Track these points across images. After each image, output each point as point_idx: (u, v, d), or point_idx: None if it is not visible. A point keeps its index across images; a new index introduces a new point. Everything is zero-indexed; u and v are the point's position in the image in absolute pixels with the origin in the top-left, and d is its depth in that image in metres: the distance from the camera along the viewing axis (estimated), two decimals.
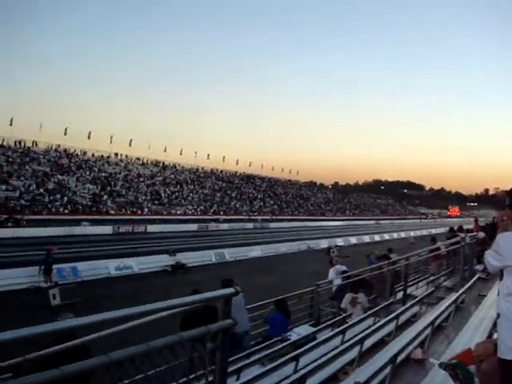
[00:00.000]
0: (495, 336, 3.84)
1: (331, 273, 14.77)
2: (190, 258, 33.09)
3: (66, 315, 6.49)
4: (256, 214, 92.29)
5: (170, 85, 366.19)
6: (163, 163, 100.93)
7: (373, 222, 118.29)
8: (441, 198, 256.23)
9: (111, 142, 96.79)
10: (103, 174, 77.74)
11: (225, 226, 69.96)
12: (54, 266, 24.81)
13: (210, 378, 2.85)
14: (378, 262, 15.73)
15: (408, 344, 6.70)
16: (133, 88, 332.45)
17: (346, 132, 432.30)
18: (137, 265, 29.37)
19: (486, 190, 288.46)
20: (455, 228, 24.17)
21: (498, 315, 3.36)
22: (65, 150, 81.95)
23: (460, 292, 9.70)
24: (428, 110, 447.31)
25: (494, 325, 7.40)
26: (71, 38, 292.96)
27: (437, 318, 7.95)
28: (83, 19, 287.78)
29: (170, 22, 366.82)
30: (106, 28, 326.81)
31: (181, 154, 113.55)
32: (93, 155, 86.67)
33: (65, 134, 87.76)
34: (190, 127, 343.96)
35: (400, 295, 13.26)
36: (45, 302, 19.91)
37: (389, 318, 8.74)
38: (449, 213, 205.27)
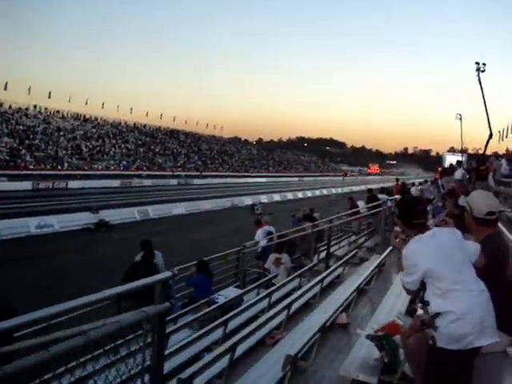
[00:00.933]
0: (419, 311, 3.96)
1: (258, 233, 14.85)
2: (113, 216, 32.59)
3: None
4: (180, 169, 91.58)
5: (92, 36, 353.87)
6: (84, 116, 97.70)
7: (296, 179, 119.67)
8: (362, 156, 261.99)
9: (29, 93, 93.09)
10: (21, 127, 74.60)
11: (148, 182, 69.20)
12: None
13: (147, 363, 2.84)
14: (302, 222, 16.03)
15: (333, 309, 6.90)
16: (53, 37, 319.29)
17: (271, 88, 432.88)
18: (58, 223, 28.67)
19: (405, 149, 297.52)
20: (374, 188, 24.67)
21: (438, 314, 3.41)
22: None
23: (383, 256, 10.00)
24: (349, 67, 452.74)
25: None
26: None
27: (361, 283, 8.21)
28: None
29: None
30: None
31: (103, 107, 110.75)
32: (10, 107, 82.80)
33: None
34: (112, 80, 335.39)
35: (323, 255, 13.60)
36: None
37: (314, 281, 8.94)
38: (369, 170, 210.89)
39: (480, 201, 4.01)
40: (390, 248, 11.20)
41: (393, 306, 6.63)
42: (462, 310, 3.16)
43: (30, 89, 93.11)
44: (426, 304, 3.38)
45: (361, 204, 19.92)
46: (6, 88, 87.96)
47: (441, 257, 3.29)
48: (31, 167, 62.81)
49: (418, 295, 3.78)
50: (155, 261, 9.34)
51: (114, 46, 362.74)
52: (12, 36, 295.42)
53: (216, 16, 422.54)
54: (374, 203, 15.90)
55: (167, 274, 3.04)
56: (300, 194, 68.36)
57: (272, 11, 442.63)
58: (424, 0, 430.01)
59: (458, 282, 3.24)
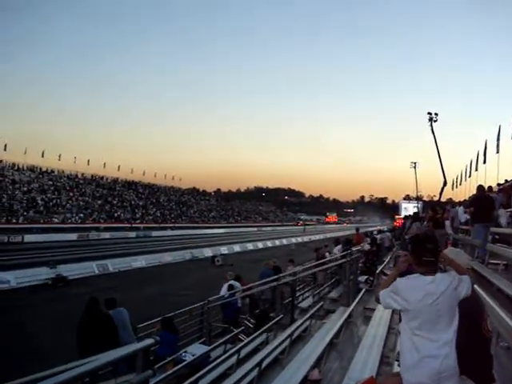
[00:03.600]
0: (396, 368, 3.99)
1: (224, 288, 14.78)
2: (71, 270, 31.80)
3: None
4: (138, 222, 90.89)
5: (48, 87, 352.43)
6: (40, 169, 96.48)
7: (255, 228, 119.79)
8: (320, 205, 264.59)
9: None
10: None
11: (106, 234, 68.29)
12: None
13: None
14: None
15: (304, 365, 6.84)
16: (7, 90, 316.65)
17: (228, 138, 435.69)
18: (15, 279, 27.82)
19: (362, 197, 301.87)
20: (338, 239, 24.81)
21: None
22: None
23: (351, 308, 10.01)
24: (306, 120, 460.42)
25: (386, 344, 7.78)
26: None
27: (329, 335, 8.17)
28: None
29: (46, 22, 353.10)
30: None
31: (59, 159, 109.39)
32: None
33: None
34: (69, 132, 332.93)
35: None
36: None
37: (283, 336, 8.86)
38: (327, 219, 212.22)
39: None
40: (357, 300, 11.26)
41: (366, 360, 6.62)
42: (414, 360, 3.25)
43: None
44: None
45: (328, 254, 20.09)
46: None
47: (425, 305, 3.35)
48: None
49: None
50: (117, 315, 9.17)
51: (71, 98, 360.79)
52: None
53: (171, 65, 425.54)
54: (341, 253, 16.00)
55: (150, 341, 2.96)
56: (260, 244, 68.17)
57: (226, 70, 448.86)
58: (381, 46, 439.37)
59: (427, 330, 3.32)
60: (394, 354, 6.75)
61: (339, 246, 20.81)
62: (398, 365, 3.83)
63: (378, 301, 3.75)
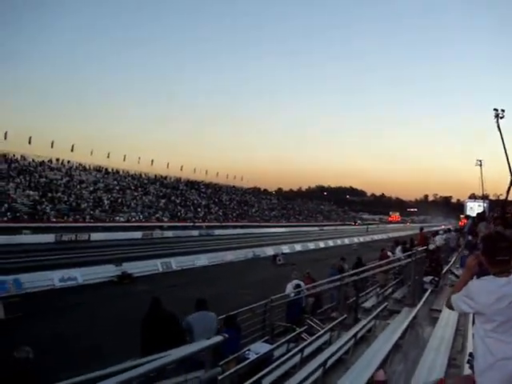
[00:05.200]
0: (468, 371, 3.86)
1: (288, 287, 14.77)
2: (136, 268, 32.52)
3: (23, 349, 6.24)
4: (200, 220, 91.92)
5: (113, 90, 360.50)
6: (106, 169, 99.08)
7: (317, 228, 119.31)
8: (382, 204, 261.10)
9: (52, 147, 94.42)
10: (44, 180, 75.83)
11: (169, 233, 69.21)
12: None
13: None
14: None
15: (369, 366, 6.74)
16: (74, 93, 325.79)
17: (290, 138, 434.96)
18: (81, 276, 28.63)
19: (426, 196, 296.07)
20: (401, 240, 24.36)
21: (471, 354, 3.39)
22: (4, 155, 79.46)
23: (417, 308, 9.83)
24: (368, 119, 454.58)
25: (453, 346, 7.59)
26: (12, 42, 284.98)
27: (394, 335, 8.04)
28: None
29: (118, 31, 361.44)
30: (45, 30, 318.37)
31: (124, 159, 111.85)
32: (33, 160, 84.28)
33: (5, 139, 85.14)
34: (133, 133, 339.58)
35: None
36: None
37: (347, 336, 8.77)
38: (390, 218, 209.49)
39: None
40: (423, 301, 11.04)
41: (433, 362, 6.47)
42: (488, 363, 3.15)
43: (52, 143, 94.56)
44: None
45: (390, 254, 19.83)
46: (29, 142, 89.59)
47: (500, 308, 3.24)
48: (54, 220, 63.40)
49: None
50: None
51: (135, 100, 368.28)
52: (34, 91, 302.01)
53: (233, 63, 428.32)
54: (405, 253, 15.74)
55: (218, 338, 2.97)
56: (322, 244, 67.82)
57: (294, 66, 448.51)
58: (444, 46, 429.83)
59: (503, 333, 3.20)
60: (461, 356, 6.59)
61: (400, 247, 20.53)
62: (469, 367, 3.71)
63: (450, 307, 3.64)
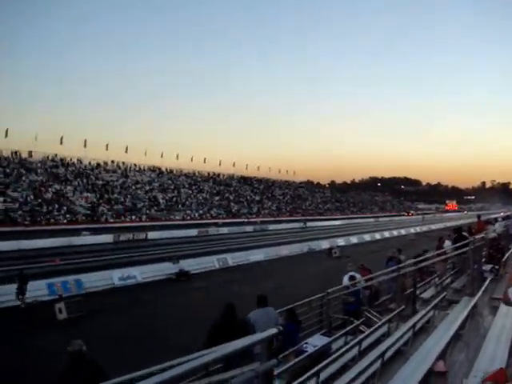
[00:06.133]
0: None
1: (345, 279, 14.69)
2: (193, 265, 32.95)
3: (75, 342, 6.44)
4: (255, 216, 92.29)
5: (164, 91, 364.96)
6: (160, 169, 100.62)
7: (372, 219, 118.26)
8: (438, 193, 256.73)
9: (107, 149, 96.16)
10: (100, 182, 77.58)
11: (225, 229, 69.62)
12: (59, 279, 24.88)
13: None
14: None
15: (429, 356, 6.66)
16: (127, 95, 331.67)
17: (340, 130, 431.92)
18: (140, 274, 29.20)
19: (483, 183, 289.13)
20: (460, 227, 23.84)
21: None
22: (61, 159, 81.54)
23: (476, 298, 9.64)
24: (420, 107, 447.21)
25: None
26: (60, 46, 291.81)
27: (454, 325, 7.91)
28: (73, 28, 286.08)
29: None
30: (103, 37, 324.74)
31: (177, 159, 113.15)
32: (89, 163, 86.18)
33: (60, 143, 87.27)
34: (186, 133, 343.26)
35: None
36: (51, 316, 19.83)
37: (406, 327, 8.66)
38: (447, 207, 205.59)
39: None
40: (483, 290, 10.81)
41: (494, 352, 6.35)
42: None
43: (107, 145, 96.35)
44: None
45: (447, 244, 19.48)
46: (85, 145, 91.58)
47: None
48: (111, 220, 64.75)
49: None
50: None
51: (185, 99, 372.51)
52: (87, 95, 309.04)
53: (285, 60, 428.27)
54: (461, 243, 15.43)
55: (274, 330, 3.00)
56: (377, 235, 67.10)
57: (339, 61, 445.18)
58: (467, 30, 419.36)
59: None
60: None
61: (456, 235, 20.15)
62: None
63: (508, 302, 3.55)
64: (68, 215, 61.07)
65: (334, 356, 7.66)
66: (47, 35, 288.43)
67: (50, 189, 66.72)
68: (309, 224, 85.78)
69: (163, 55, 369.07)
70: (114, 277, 28.00)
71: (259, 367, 2.81)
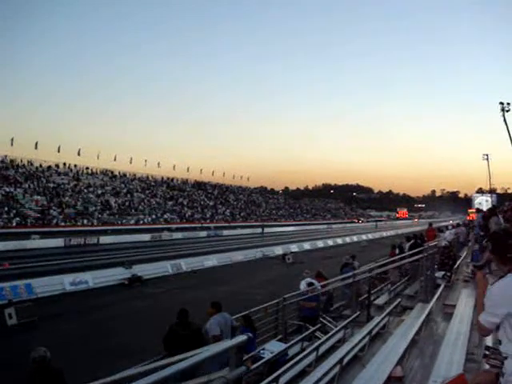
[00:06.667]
0: (486, 366, 3.80)
1: (302, 285, 14.78)
2: (146, 270, 32.53)
3: (39, 348, 6.36)
4: (208, 221, 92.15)
5: (118, 94, 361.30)
6: (112, 172, 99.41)
7: (325, 226, 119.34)
8: (389, 201, 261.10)
9: (59, 151, 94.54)
10: (51, 185, 76.12)
11: (178, 234, 69.31)
12: (9, 284, 24.29)
13: None
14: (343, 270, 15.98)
15: (386, 362, 6.74)
16: (79, 97, 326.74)
17: (294, 137, 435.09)
18: (92, 279, 28.66)
19: (433, 192, 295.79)
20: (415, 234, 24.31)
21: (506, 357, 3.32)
22: (11, 161, 79.74)
23: (431, 304, 9.82)
24: (374, 114, 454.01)
25: (470, 341, 7.57)
26: (22, 46, 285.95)
27: (411, 331, 8.03)
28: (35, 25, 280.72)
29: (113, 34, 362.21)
30: (54, 36, 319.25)
31: (131, 162, 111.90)
32: (40, 165, 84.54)
33: (11, 145, 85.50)
34: (139, 136, 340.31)
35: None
36: (0, 321, 19.31)
37: (363, 333, 8.75)
38: (398, 215, 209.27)
39: None
40: (437, 296, 11.02)
41: (451, 357, 6.45)
42: None
43: (59, 147, 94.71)
44: (498, 343, 3.31)
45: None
46: (36, 147, 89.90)
47: None
48: (62, 224, 63.70)
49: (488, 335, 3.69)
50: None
51: (140, 103, 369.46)
52: (38, 96, 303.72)
53: (241, 65, 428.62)
54: (415, 250, 15.69)
55: (243, 337, 2.99)
56: (330, 242, 67.73)
57: (297, 63, 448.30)
58: (448, 38, 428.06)
59: None
60: (479, 351, 6.57)
61: (410, 243, 20.54)
62: (486, 362, 3.66)
63: (483, 330, 3.56)
64: (17, 218, 59.79)
65: (292, 362, 7.67)
66: None
67: None
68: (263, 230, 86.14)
69: (120, 57, 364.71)
70: (66, 282, 27.38)
71: (229, 374, 2.78)
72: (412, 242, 20.23)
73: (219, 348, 2.92)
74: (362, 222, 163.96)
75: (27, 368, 6.60)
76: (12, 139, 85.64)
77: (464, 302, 10.23)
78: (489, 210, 21.34)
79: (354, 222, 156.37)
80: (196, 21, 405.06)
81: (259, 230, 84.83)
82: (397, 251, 21.57)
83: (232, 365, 2.93)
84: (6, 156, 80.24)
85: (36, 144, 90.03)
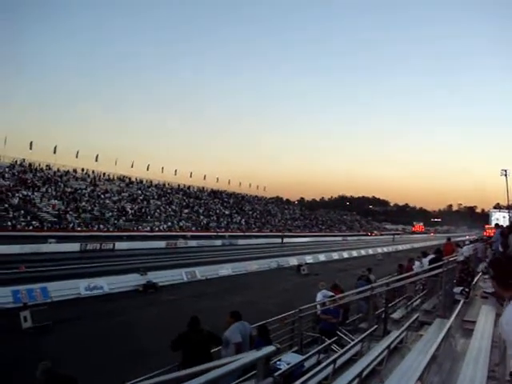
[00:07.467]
0: None
1: (319, 296, 14.70)
2: (161, 277, 32.60)
3: (41, 364, 6.41)
4: (223, 230, 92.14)
5: (137, 101, 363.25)
6: (129, 178, 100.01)
7: (340, 238, 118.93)
8: (405, 214, 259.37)
9: (77, 156, 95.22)
10: (69, 190, 76.66)
11: (193, 242, 69.21)
12: (25, 287, 24.40)
13: None
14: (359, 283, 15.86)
15: (405, 377, 6.64)
16: (100, 103, 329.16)
17: (311, 149, 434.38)
18: (107, 284, 28.75)
19: (450, 206, 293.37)
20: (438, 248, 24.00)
21: None
22: (29, 165, 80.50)
23: (451, 320, 9.68)
24: (391, 127, 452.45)
25: (491, 359, 7.44)
26: (39, 50, 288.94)
27: (431, 347, 7.90)
28: (48, 33, 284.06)
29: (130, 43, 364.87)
30: (73, 43, 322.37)
31: (148, 169, 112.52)
32: (58, 170, 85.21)
33: (30, 149, 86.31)
34: (157, 143, 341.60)
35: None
36: (16, 324, 19.36)
37: (381, 347, 8.64)
38: (414, 229, 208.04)
39: None
40: (456, 312, 10.87)
41: (473, 374, 6.34)
42: None
43: (77, 152, 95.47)
44: None
45: (417, 264, 19.69)
46: (55, 152, 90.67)
47: None
48: (78, 229, 64.02)
49: None
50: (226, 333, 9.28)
51: (158, 110, 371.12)
52: (59, 100, 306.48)
53: (262, 76, 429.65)
54: (434, 264, 15.54)
55: (271, 348, 2.94)
56: (345, 254, 67.47)
57: (307, 80, 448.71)
58: (466, 49, 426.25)
59: None
60: (500, 369, 6.46)
61: (430, 257, 20.29)
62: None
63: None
64: (34, 222, 60.21)
65: (309, 374, 7.59)
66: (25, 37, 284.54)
67: (16, 194, 65.73)
68: (278, 240, 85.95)
69: (135, 63, 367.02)
70: (81, 286, 27.49)
71: None
72: (433, 256, 20.00)
73: (248, 359, 2.87)
74: (376, 234, 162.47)
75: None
76: (31, 143, 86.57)
77: (484, 319, 10.06)
78: (508, 226, 21.12)
79: (368, 235, 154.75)
80: (212, 24, 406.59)
81: (275, 240, 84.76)
82: (416, 264, 21.33)
83: (260, 376, 2.89)
84: (24, 159, 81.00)
85: (55, 148, 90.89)
